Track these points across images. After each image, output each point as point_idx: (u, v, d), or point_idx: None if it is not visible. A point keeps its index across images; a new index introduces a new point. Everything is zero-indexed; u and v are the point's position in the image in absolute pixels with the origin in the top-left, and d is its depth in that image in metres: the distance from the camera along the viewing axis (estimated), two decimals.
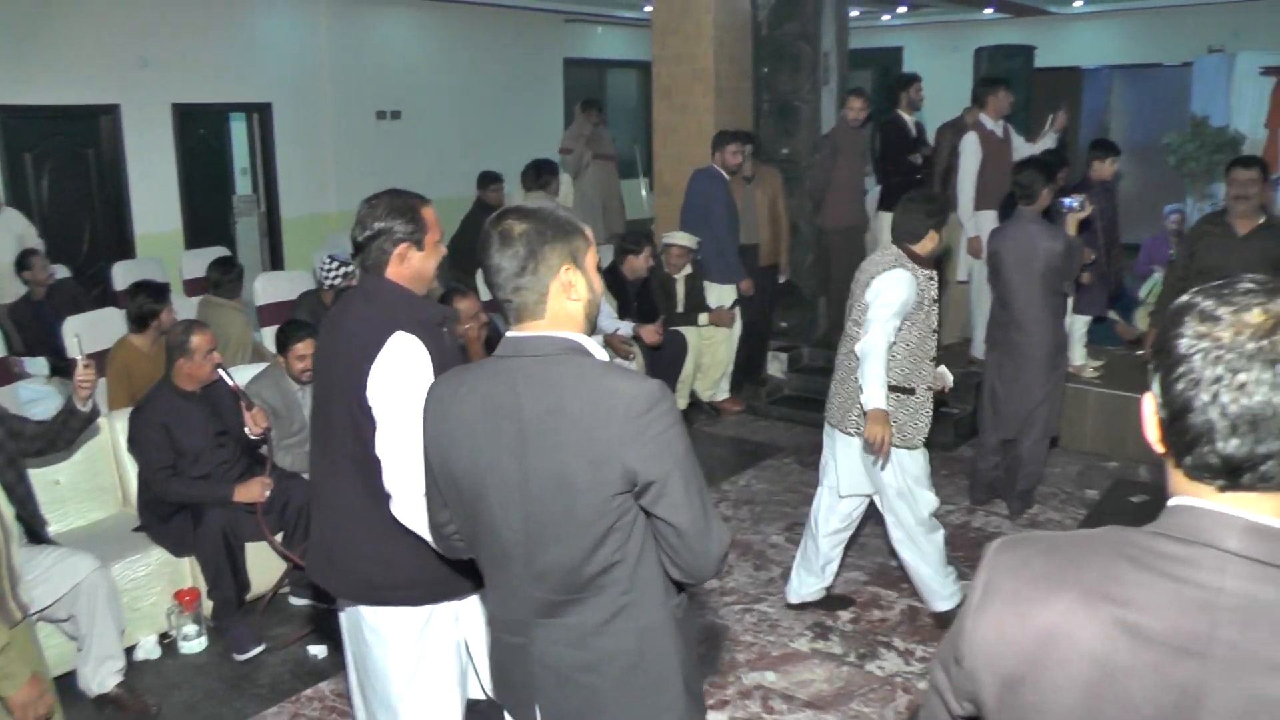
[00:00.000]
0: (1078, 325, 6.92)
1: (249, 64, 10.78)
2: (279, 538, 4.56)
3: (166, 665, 4.43)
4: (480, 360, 2.30)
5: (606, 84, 15.24)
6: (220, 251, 8.92)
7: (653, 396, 1.87)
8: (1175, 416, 1.16)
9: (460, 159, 11.99)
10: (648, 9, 9.17)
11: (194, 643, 4.49)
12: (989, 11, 14.01)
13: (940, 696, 1.38)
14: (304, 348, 4.80)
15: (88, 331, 5.74)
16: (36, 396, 6.23)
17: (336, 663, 4.17)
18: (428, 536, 2.38)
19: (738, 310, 7.50)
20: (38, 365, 6.64)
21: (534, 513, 1.92)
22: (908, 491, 4.34)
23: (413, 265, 2.71)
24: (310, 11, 11.30)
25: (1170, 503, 1.21)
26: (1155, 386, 1.19)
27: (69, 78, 9.30)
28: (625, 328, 6.86)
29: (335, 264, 6.30)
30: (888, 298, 4.07)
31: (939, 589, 4.50)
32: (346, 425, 2.64)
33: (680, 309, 7.39)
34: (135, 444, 4.50)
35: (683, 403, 7.41)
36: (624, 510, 1.89)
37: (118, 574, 4.28)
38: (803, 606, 4.73)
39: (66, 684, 3.94)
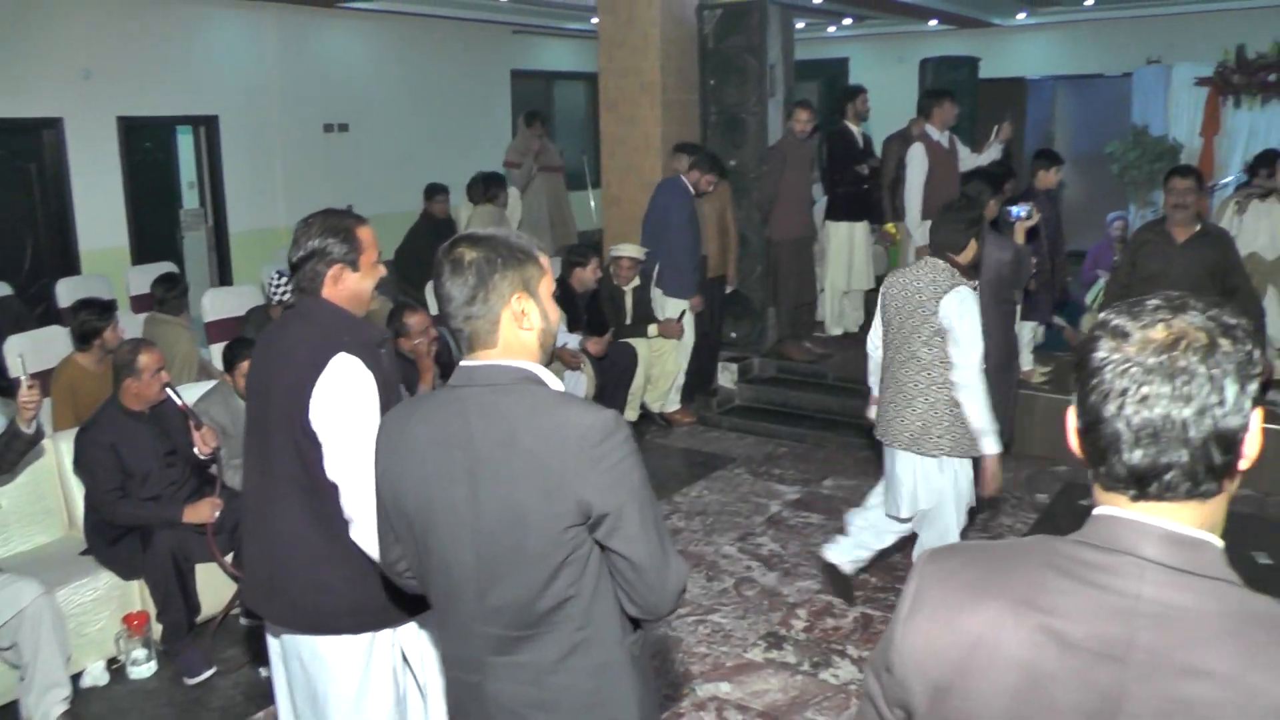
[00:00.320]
0: (1025, 332, 7.02)
1: (195, 76, 10.67)
2: (230, 558, 4.51)
3: (115, 692, 4.36)
4: (432, 390, 2.29)
5: (554, 96, 15.25)
6: (166, 267, 8.81)
7: (607, 427, 1.85)
8: (1088, 427, 1.22)
9: (409, 171, 11.97)
10: (594, 21, 9.20)
11: (143, 668, 4.43)
12: (933, 23, 14.22)
13: (873, 704, 1.41)
14: None
15: (31, 351, 5.63)
16: None
17: None
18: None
19: (687, 322, 7.53)
20: None
21: (486, 547, 1.88)
22: (961, 498, 4.40)
23: (349, 286, 2.67)
24: (257, 23, 11.20)
25: (1094, 512, 1.25)
26: (1075, 398, 1.25)
27: (10, 90, 9.16)
28: (572, 341, 6.86)
29: (284, 279, 6.24)
30: (970, 319, 4.13)
31: None
32: (288, 449, 2.59)
33: (629, 321, 7.40)
34: (82, 465, 4.44)
35: (633, 415, 7.43)
36: (578, 544, 1.86)
37: (64, 599, 4.22)
38: (825, 571, 4.94)
39: (9, 715, 3.87)
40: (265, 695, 4.26)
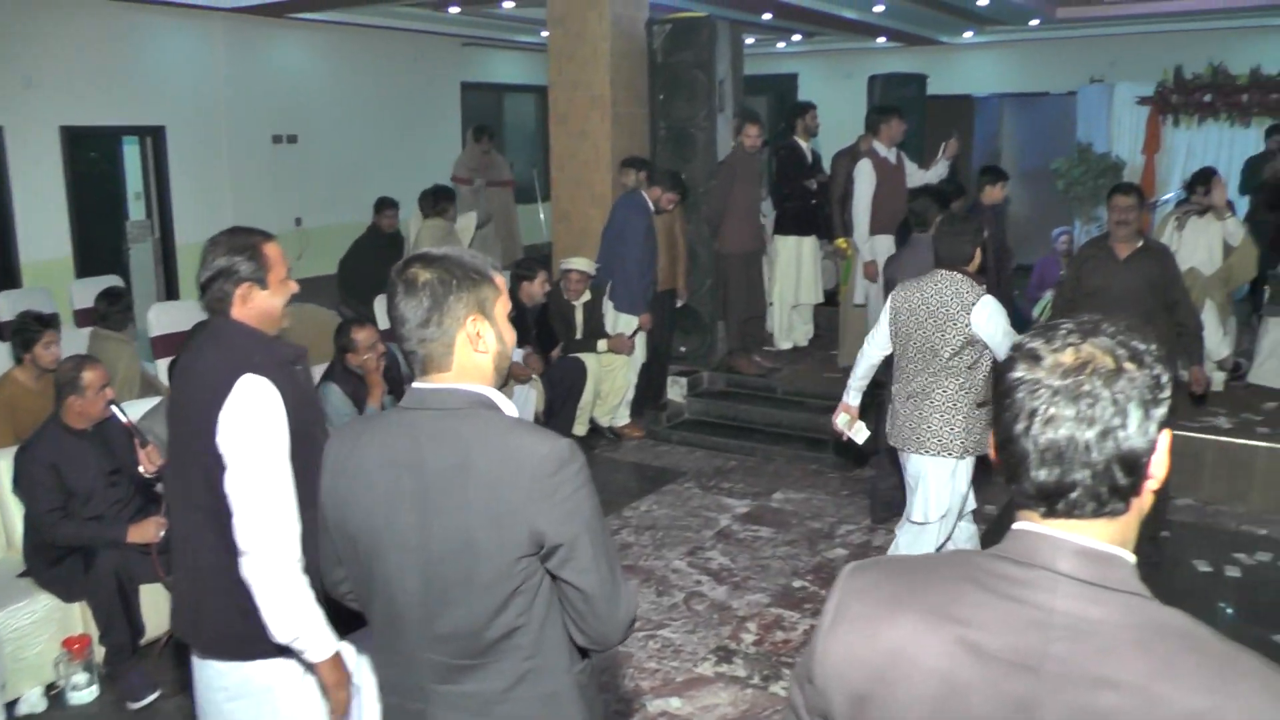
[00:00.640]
0: None
1: (142, 86, 10.55)
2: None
3: (54, 718, 4.26)
4: (380, 406, 2.27)
5: (504, 108, 15.24)
6: (111, 280, 8.66)
7: (563, 457, 1.82)
8: (1002, 445, 1.26)
9: (358, 183, 11.92)
10: (544, 34, 9.21)
11: (84, 692, 4.32)
12: (882, 40, 14.41)
13: (796, 714, 1.44)
14: None
15: None
16: None
17: None
18: (275, 599, 2.36)
19: (638, 339, 7.54)
20: None
21: (434, 574, 1.85)
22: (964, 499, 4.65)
23: (258, 305, 2.61)
24: (205, 32, 11.10)
25: (1013, 527, 1.30)
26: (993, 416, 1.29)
27: None
28: (517, 355, 6.84)
29: None
30: (1003, 322, 4.37)
31: None
32: (199, 476, 2.52)
33: (579, 335, 7.40)
34: (21, 485, 4.35)
35: (582, 429, 7.43)
36: (529, 573, 1.83)
37: (0, 624, 4.12)
38: None
39: None
40: None
